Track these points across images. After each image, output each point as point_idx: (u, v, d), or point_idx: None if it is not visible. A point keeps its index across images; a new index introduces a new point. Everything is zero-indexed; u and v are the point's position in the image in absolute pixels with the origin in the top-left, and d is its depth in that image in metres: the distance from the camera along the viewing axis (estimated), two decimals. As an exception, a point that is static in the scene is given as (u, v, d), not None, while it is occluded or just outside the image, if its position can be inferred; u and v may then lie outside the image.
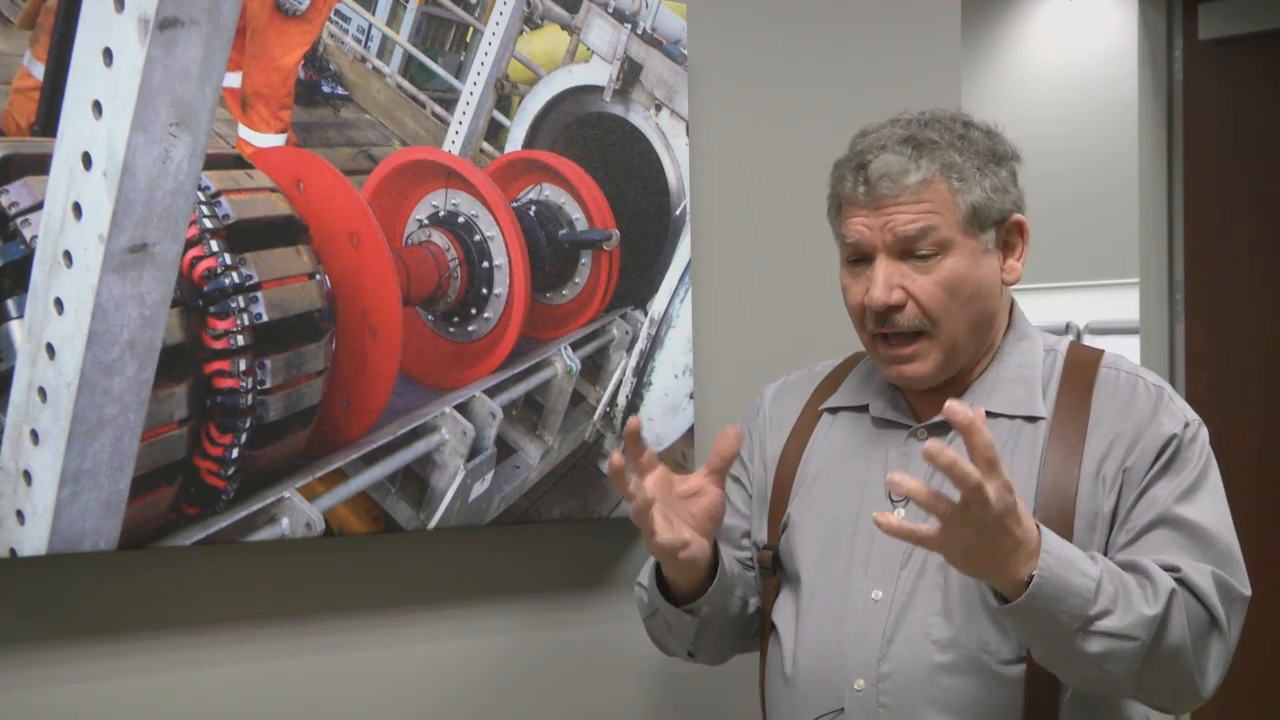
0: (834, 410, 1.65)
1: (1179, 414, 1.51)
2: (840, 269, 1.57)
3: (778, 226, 2.16)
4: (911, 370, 1.52)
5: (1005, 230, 1.54)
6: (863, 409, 1.62)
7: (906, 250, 1.49)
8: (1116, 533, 1.47)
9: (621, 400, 1.92)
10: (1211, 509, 1.47)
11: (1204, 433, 1.52)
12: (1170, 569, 1.41)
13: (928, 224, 1.48)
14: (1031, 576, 1.31)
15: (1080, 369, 1.56)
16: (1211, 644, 1.41)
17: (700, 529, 1.51)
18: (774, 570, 1.62)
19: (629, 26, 1.91)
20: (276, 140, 1.64)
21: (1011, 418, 1.53)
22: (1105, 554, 1.46)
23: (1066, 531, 1.45)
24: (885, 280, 1.49)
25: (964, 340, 1.53)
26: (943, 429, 1.54)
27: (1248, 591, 1.45)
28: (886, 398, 1.61)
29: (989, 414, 1.53)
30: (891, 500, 1.53)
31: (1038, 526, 1.35)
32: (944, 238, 1.49)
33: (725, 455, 1.52)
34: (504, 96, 1.82)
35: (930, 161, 1.49)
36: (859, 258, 1.53)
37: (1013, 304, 1.61)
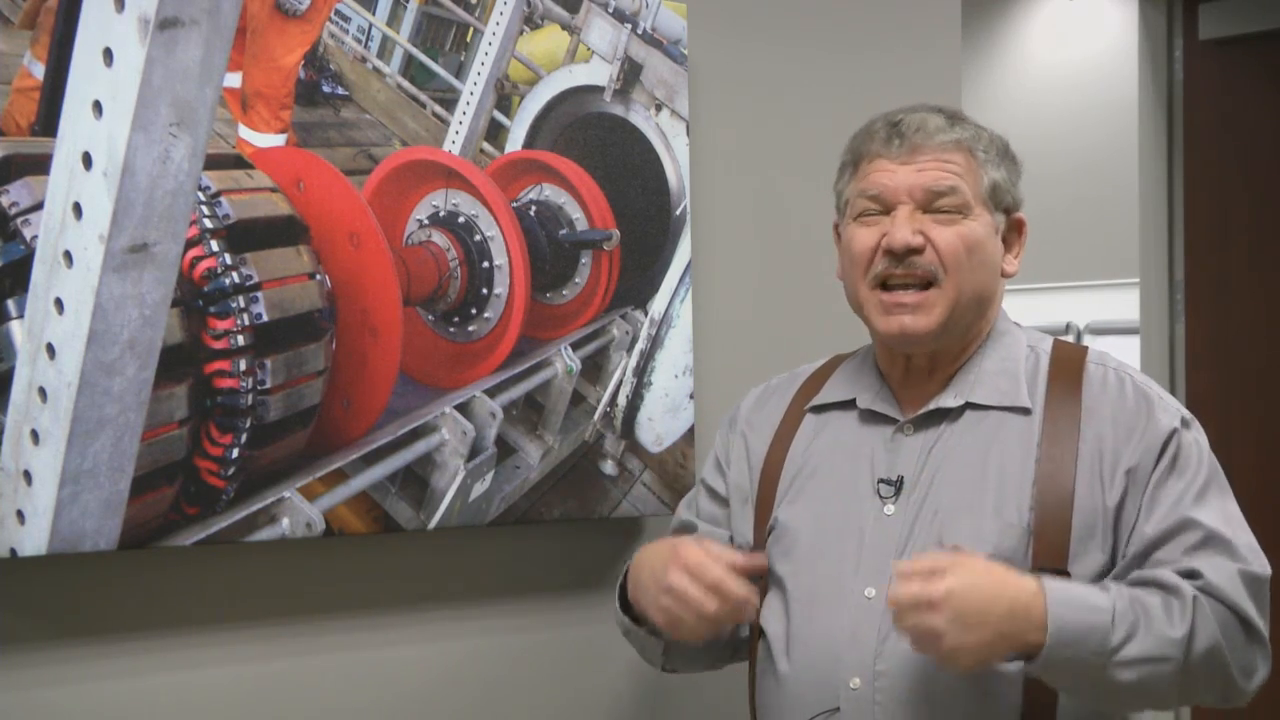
0: (819, 410, 1.64)
1: (1172, 409, 1.52)
2: (847, 227, 1.57)
3: (778, 226, 2.16)
4: (913, 322, 1.52)
5: (1009, 224, 1.58)
6: (848, 405, 1.62)
7: (930, 205, 1.52)
8: (1128, 540, 1.47)
9: (621, 400, 1.92)
10: (1225, 508, 1.48)
11: (1198, 427, 1.54)
12: (1192, 575, 1.42)
13: (955, 183, 1.52)
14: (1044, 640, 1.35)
15: (1067, 364, 1.56)
16: (1248, 644, 1.43)
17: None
18: None
19: (629, 26, 1.91)
20: (277, 140, 1.64)
21: (996, 409, 1.54)
22: (1113, 556, 1.47)
23: (1064, 525, 1.45)
24: (908, 221, 1.51)
25: (966, 303, 1.53)
26: (928, 422, 1.55)
27: (1268, 571, 1.47)
28: (874, 390, 1.60)
29: (973, 405, 1.54)
30: (880, 496, 1.53)
31: (1038, 579, 1.37)
32: (966, 201, 1.52)
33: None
34: (504, 96, 1.82)
35: (961, 129, 1.54)
36: (876, 211, 1.54)
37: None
